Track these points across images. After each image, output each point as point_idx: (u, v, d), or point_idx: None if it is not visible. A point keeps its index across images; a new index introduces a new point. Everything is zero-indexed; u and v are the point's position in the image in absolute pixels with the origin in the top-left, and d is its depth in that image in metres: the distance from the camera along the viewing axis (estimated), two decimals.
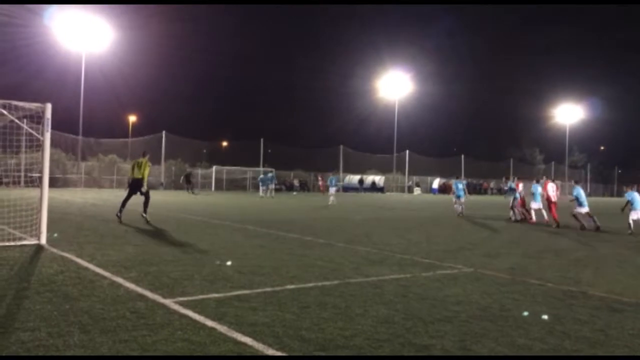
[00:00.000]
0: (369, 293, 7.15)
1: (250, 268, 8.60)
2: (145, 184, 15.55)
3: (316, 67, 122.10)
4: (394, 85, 70.80)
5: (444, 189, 65.90)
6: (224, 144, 78.33)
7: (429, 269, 9.24)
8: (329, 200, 31.47)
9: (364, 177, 66.73)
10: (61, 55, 54.67)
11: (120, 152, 56.79)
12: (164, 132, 56.07)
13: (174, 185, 53.66)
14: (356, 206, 31.53)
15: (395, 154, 71.01)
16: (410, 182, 70.48)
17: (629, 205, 17.98)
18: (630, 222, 17.58)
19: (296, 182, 61.13)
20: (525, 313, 6.35)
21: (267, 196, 39.98)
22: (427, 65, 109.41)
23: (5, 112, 10.82)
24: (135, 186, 15.67)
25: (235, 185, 57.87)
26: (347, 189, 64.91)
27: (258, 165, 60.43)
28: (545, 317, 6.18)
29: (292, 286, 7.35)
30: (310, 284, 7.56)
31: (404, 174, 70.92)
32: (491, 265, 9.90)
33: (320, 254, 10.59)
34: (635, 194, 17.98)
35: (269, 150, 64.74)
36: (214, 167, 56.84)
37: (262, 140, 61.96)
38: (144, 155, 16.01)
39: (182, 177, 47.83)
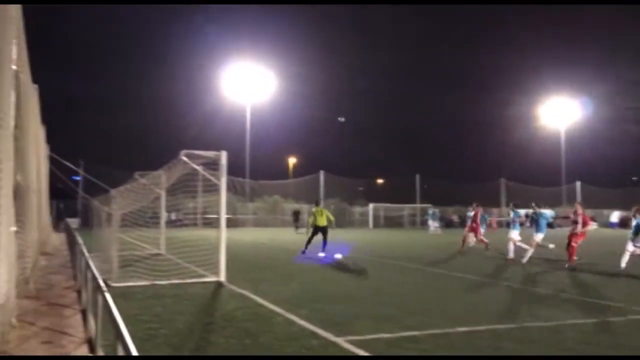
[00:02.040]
0: (550, 339, 6.58)
1: (417, 308, 8.43)
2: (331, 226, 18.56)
3: (470, 98, 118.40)
4: (559, 112, 66.19)
5: (625, 223, 59.25)
6: (380, 181, 79.06)
7: (618, 314, 8.26)
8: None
9: (529, 211, 62.59)
10: (228, 106, 59.94)
11: (283, 193, 60.07)
12: (321, 172, 58.30)
13: (333, 224, 55.13)
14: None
15: (564, 186, 65.80)
16: None
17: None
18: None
19: (455, 218, 59.28)
20: None
21: (432, 232, 39.42)
22: (602, 86, 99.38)
23: (188, 160, 12.08)
24: (320, 230, 17.93)
25: (393, 222, 57.79)
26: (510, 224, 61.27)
27: (415, 202, 59.88)
28: None
29: (463, 328, 7.04)
30: (482, 327, 7.17)
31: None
32: None
33: (488, 294, 10.06)
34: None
35: (425, 186, 63.82)
36: (371, 205, 57.46)
37: (417, 176, 61.46)
38: (317, 205, 19.02)
39: (291, 214, 46.46)
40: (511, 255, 17.16)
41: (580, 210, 15.37)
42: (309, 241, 18.05)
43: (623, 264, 13.72)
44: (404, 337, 6.49)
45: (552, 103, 66.92)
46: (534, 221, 16.83)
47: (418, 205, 58.95)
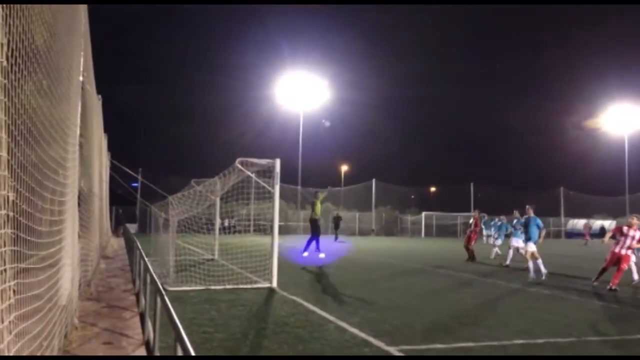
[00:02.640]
0: (612, 354, 6.30)
1: (471, 319, 8.24)
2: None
3: (527, 104, 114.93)
4: (622, 118, 63.44)
5: None
6: (432, 189, 78.01)
7: None
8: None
9: (591, 221, 60.21)
10: (282, 114, 60.65)
11: (334, 200, 60.18)
12: (373, 180, 58.11)
13: (384, 231, 54.82)
14: (586, 253, 28.46)
15: (627, 195, 62.99)
16: None
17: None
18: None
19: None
20: None
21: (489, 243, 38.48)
22: None
23: (243, 168, 12.29)
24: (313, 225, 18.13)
25: (446, 231, 56.87)
26: (570, 234, 59.26)
27: (468, 211, 58.66)
28: None
29: (521, 341, 6.83)
30: (541, 340, 6.94)
31: None
32: None
33: (547, 306, 9.72)
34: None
35: (479, 195, 62.48)
36: (423, 213, 56.77)
37: (471, 184, 60.32)
38: (316, 196, 18.60)
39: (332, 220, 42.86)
40: (508, 261, 17.68)
41: (637, 224, 12.48)
42: (318, 243, 18.00)
43: None
44: (459, 348, 6.36)
45: (615, 109, 64.26)
46: (525, 227, 14.58)
47: (471, 214, 57.71)
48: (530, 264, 13.98)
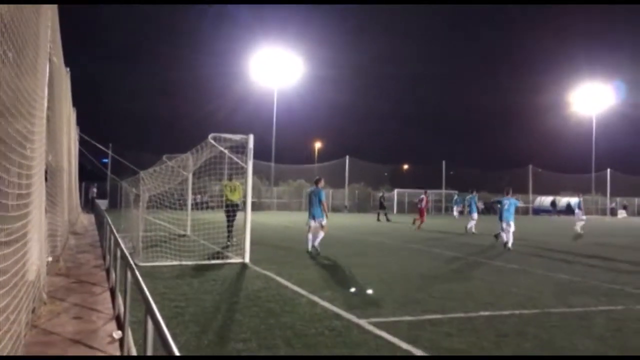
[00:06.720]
0: (575, 325, 6.54)
1: (441, 292, 8.43)
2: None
3: (499, 83, 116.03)
4: (591, 98, 64.65)
5: None
6: (405, 167, 78.65)
7: None
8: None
9: (557, 198, 61.62)
10: (256, 90, 60.11)
11: (308, 177, 60.15)
12: (347, 157, 58.24)
13: (357, 208, 55.21)
14: (550, 230, 29.20)
15: (593, 173, 64.56)
16: (613, 204, 63.31)
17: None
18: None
19: (481, 205, 58.63)
20: None
21: (457, 217, 39.23)
22: (637, 69, 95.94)
23: (215, 143, 12.18)
24: (230, 209, 15.48)
25: (417, 207, 57.54)
26: (537, 211, 60.61)
27: (440, 188, 59.46)
28: None
29: (487, 313, 7.03)
30: (507, 312, 7.16)
31: (605, 195, 63.99)
32: None
33: (514, 280, 9.99)
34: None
35: (451, 172, 63.27)
36: (396, 190, 57.31)
37: (443, 162, 60.97)
38: (230, 179, 15.61)
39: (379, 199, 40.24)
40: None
41: None
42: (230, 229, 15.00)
43: None
44: (427, 320, 6.51)
45: (584, 88, 65.41)
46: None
47: (443, 192, 58.55)
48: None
